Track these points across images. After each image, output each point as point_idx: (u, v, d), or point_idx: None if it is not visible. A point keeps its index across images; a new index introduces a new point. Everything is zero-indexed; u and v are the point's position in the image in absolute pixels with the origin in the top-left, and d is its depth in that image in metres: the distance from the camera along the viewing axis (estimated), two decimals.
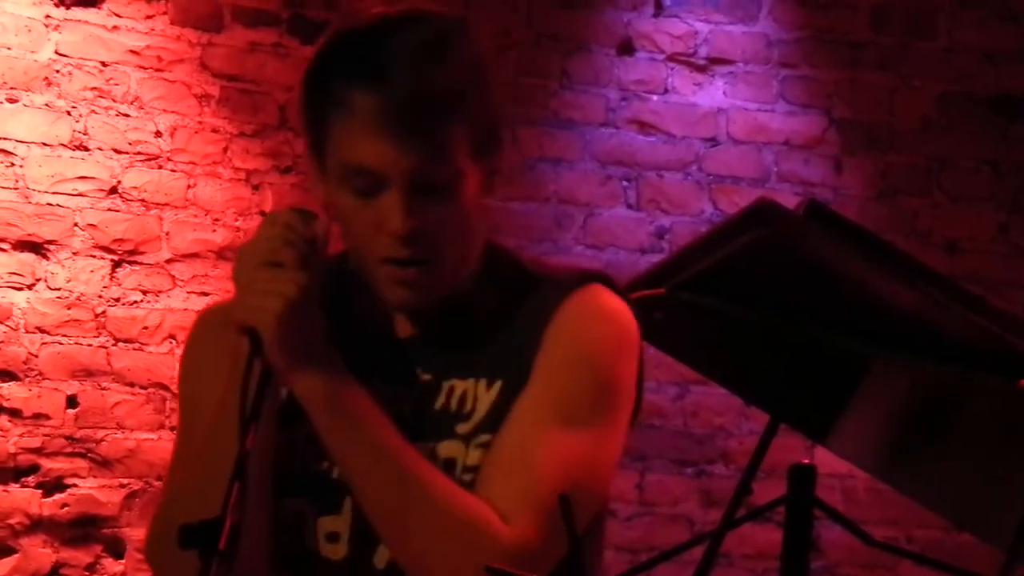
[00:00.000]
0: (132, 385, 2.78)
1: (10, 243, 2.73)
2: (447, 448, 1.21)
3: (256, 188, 2.89)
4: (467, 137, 1.20)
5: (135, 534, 2.75)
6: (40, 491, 2.71)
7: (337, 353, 1.19)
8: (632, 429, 1.26)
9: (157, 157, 2.83)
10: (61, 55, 2.78)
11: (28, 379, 2.72)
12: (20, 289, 2.72)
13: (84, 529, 2.73)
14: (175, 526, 1.08)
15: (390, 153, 1.18)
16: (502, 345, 1.23)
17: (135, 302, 2.79)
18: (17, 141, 2.74)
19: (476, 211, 1.22)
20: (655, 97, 3.18)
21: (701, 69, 3.21)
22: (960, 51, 3.33)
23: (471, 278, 1.25)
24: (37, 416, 2.72)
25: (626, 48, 3.17)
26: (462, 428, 1.22)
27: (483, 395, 1.22)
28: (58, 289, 2.75)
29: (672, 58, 3.20)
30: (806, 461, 0.97)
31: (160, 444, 2.79)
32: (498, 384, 1.22)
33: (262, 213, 2.89)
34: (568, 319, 1.22)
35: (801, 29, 3.27)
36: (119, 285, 2.78)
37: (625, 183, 3.15)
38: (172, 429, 2.81)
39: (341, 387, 1.18)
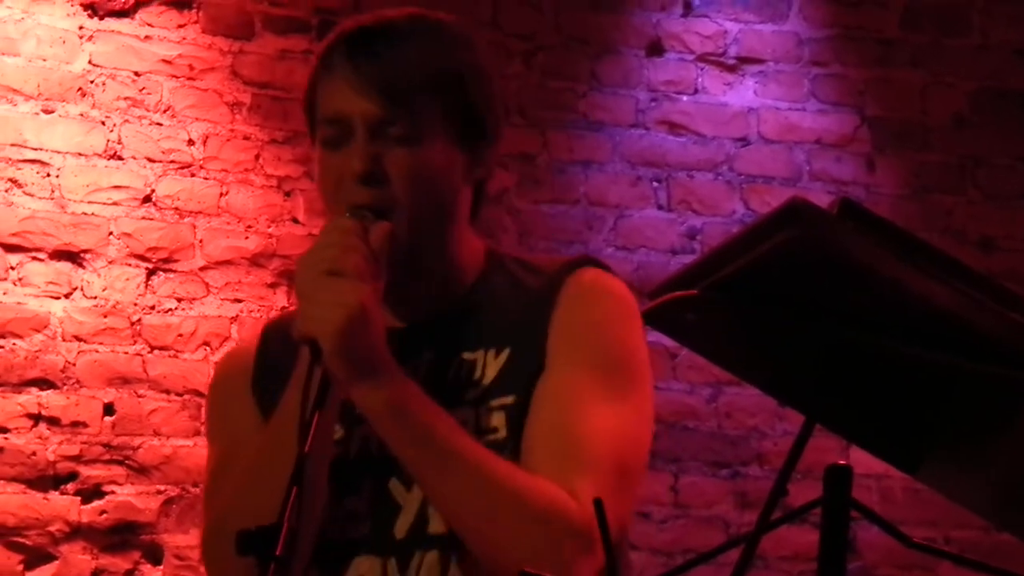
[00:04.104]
0: (168, 392, 2.80)
1: (47, 252, 2.75)
2: (457, 415, 1.22)
3: (288, 195, 2.91)
4: (442, 110, 1.25)
5: (173, 540, 2.77)
6: (79, 498, 2.73)
7: (395, 361, 1.20)
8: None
9: (190, 165, 2.85)
10: (95, 65, 2.80)
11: (66, 387, 2.74)
12: (57, 298, 2.75)
13: (122, 536, 2.75)
14: (232, 533, 1.09)
15: (354, 97, 1.24)
16: (508, 319, 1.26)
17: (170, 310, 2.81)
18: (53, 152, 2.77)
19: (447, 181, 1.25)
20: (685, 97, 3.17)
21: (731, 69, 3.20)
22: (993, 47, 3.30)
23: (470, 277, 1.28)
24: (75, 424, 2.75)
25: (655, 49, 3.16)
26: (471, 394, 1.25)
27: (491, 362, 1.25)
28: (94, 298, 2.77)
29: (702, 58, 3.19)
30: (842, 462, 0.96)
31: (196, 451, 2.81)
32: (506, 351, 1.25)
33: (294, 220, 2.90)
34: (575, 299, 1.26)
35: (831, 27, 3.25)
36: (154, 293, 2.80)
37: (655, 184, 3.14)
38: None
39: (403, 396, 1.19)
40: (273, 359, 1.29)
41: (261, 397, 1.29)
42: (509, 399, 1.23)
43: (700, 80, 3.18)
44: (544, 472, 1.19)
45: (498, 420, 1.23)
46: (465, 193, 1.28)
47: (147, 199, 2.82)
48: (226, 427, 1.30)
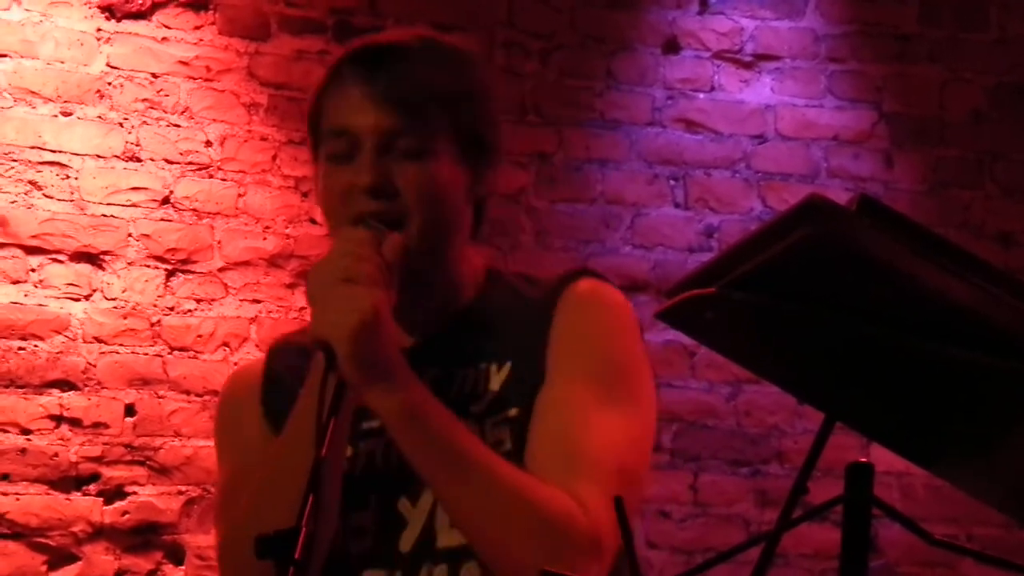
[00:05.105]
0: (188, 393, 2.81)
1: (67, 255, 2.77)
2: None
3: (305, 195, 2.92)
4: (449, 126, 1.27)
5: (194, 540, 2.78)
6: (101, 499, 2.75)
7: (408, 367, 1.22)
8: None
9: (208, 166, 2.87)
10: (112, 67, 2.82)
11: (87, 389, 2.76)
12: (77, 300, 2.77)
13: (144, 536, 2.76)
14: (249, 537, 1.10)
15: (365, 109, 1.25)
16: (509, 332, 1.28)
17: (189, 311, 2.83)
18: (72, 154, 2.78)
19: (453, 197, 1.27)
20: (701, 95, 3.16)
21: (747, 66, 3.19)
22: (1011, 42, 3.28)
23: (472, 293, 1.30)
24: (96, 425, 2.76)
25: (671, 47, 3.16)
26: (475, 408, 1.26)
27: (494, 376, 1.27)
28: (114, 299, 2.79)
29: (718, 55, 3.18)
30: (863, 459, 0.96)
31: None
32: (508, 365, 1.27)
33: (312, 220, 2.91)
34: (573, 310, 1.28)
35: (848, 23, 3.24)
36: (173, 294, 2.82)
37: (672, 182, 3.14)
38: None
39: (417, 400, 1.21)
40: (280, 376, 1.31)
41: (269, 413, 1.30)
42: (513, 412, 1.25)
43: (717, 77, 3.18)
44: (549, 480, 1.21)
45: (503, 433, 1.24)
46: (467, 210, 1.30)
47: (165, 200, 2.83)
48: (236, 443, 1.31)
